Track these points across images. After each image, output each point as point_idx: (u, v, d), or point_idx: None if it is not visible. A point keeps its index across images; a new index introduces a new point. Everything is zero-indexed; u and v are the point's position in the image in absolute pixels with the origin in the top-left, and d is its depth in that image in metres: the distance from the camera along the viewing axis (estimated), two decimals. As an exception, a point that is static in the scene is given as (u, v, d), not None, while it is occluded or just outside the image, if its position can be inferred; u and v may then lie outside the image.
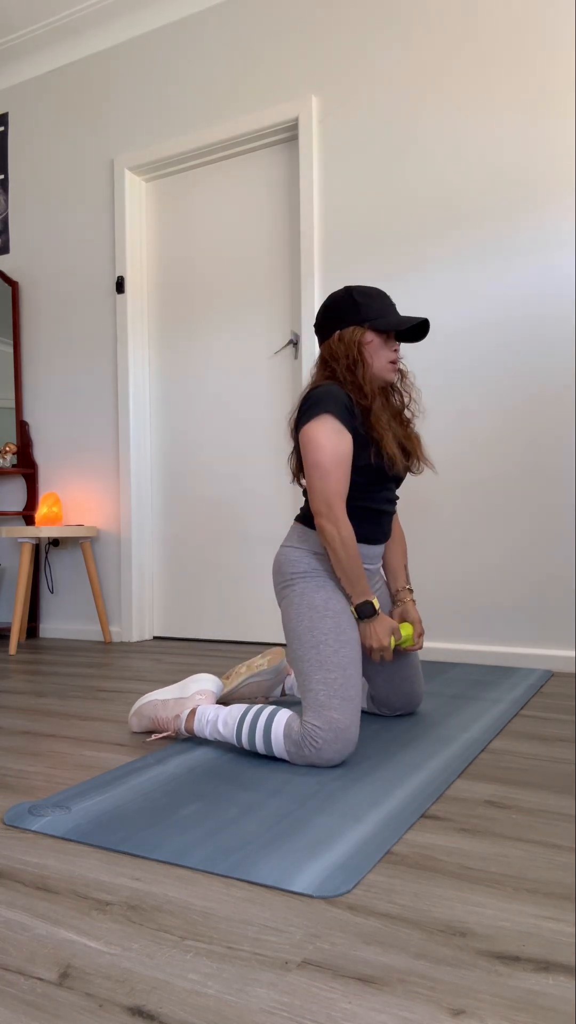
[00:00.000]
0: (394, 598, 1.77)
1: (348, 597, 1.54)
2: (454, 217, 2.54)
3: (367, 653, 1.59)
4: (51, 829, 1.13)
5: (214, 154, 3.07)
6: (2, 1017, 0.70)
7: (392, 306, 1.63)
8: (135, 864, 1.02)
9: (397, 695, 1.74)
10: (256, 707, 1.48)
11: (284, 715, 1.44)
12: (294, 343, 2.94)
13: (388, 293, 2.64)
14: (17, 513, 3.40)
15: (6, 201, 3.58)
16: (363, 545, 1.63)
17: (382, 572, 1.78)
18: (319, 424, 1.52)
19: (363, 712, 1.83)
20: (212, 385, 3.15)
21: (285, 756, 1.42)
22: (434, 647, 2.55)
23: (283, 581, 1.60)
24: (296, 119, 2.83)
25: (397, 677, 1.73)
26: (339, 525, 1.49)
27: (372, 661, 1.73)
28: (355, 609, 1.52)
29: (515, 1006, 0.70)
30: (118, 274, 3.22)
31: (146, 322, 3.31)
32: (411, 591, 1.77)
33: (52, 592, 3.45)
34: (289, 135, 2.92)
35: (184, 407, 3.22)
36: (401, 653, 1.72)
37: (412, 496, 2.61)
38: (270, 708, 1.47)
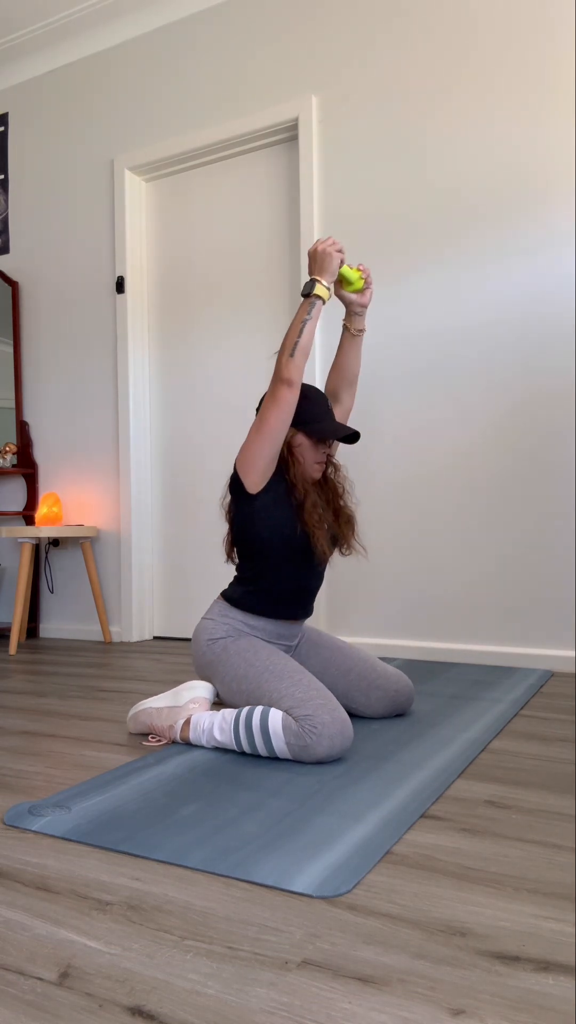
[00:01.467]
0: (346, 327, 1.82)
1: (308, 316, 1.57)
2: (454, 217, 2.54)
3: (340, 294, 1.74)
4: (51, 829, 1.13)
5: (214, 154, 3.07)
6: (2, 1017, 0.70)
7: (329, 412, 1.69)
8: (135, 864, 1.02)
9: (374, 702, 1.74)
10: (247, 709, 1.49)
11: (277, 712, 1.44)
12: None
13: (383, 293, 2.64)
14: (17, 513, 3.40)
15: (6, 201, 3.58)
16: (283, 622, 1.70)
17: (303, 631, 1.83)
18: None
19: (361, 714, 1.83)
20: (212, 385, 3.15)
21: (287, 752, 1.42)
22: (434, 647, 2.55)
23: (201, 649, 1.66)
24: (296, 119, 2.83)
25: (358, 690, 1.73)
26: (279, 365, 1.55)
27: (326, 676, 1.74)
28: (308, 296, 1.59)
29: (515, 1006, 0.70)
30: (118, 274, 3.22)
31: (146, 322, 3.31)
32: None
33: (52, 592, 3.45)
34: (289, 135, 2.92)
35: (184, 407, 3.22)
36: (361, 299, 1.77)
37: (412, 496, 2.61)
38: (261, 708, 1.47)
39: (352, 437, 1.64)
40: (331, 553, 1.68)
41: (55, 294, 3.43)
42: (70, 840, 1.10)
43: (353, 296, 1.77)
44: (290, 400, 1.56)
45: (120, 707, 1.97)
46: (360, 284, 1.74)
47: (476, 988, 0.72)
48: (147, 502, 3.29)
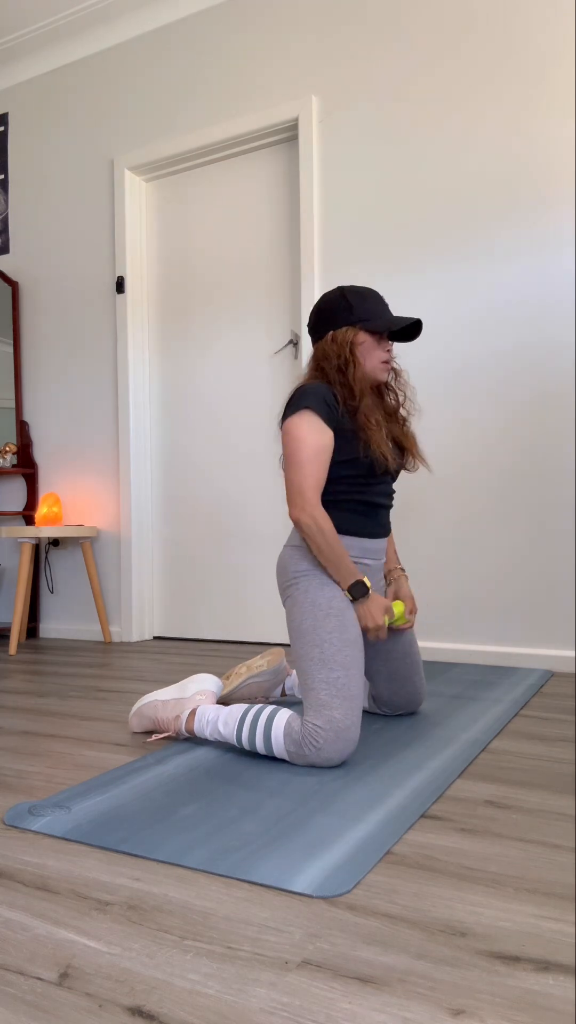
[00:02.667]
0: (387, 578, 1.78)
1: (338, 583, 1.54)
2: (454, 216, 2.54)
3: (363, 634, 1.60)
4: (51, 829, 1.13)
5: (214, 154, 3.07)
6: (2, 1017, 0.70)
7: (385, 306, 1.64)
8: (135, 864, 1.02)
9: (400, 695, 1.75)
10: (256, 707, 1.48)
11: (284, 715, 1.44)
12: (294, 343, 2.94)
13: (383, 293, 2.64)
14: (17, 513, 3.40)
15: (6, 201, 3.58)
16: (364, 539, 1.64)
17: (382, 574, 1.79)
18: (299, 419, 1.54)
19: (364, 712, 1.83)
20: (212, 385, 3.15)
21: (285, 756, 1.42)
22: (434, 647, 2.55)
23: (287, 580, 1.60)
24: (296, 119, 2.83)
25: (399, 676, 1.73)
26: (314, 513, 1.51)
27: (373, 659, 1.73)
28: (348, 591, 1.53)
29: (515, 1006, 0.70)
30: (118, 274, 3.22)
31: (146, 322, 3.31)
32: (403, 570, 1.80)
33: (52, 592, 3.45)
34: (289, 135, 2.92)
35: (184, 407, 3.22)
36: (396, 634, 1.73)
37: (412, 496, 2.61)
38: (270, 708, 1.47)
39: (415, 330, 1.61)
40: (397, 464, 1.64)
41: (55, 294, 3.43)
42: (70, 840, 1.10)
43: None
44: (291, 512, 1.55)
45: (120, 707, 1.97)
46: (403, 620, 1.68)
47: (476, 988, 0.72)
48: (147, 502, 3.29)
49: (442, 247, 2.56)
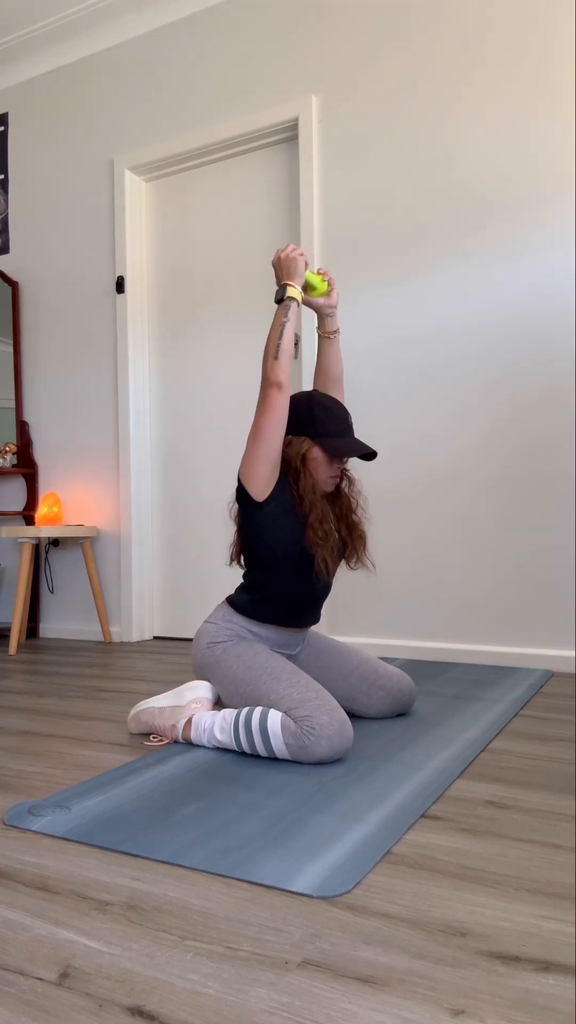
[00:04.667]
0: (320, 332, 1.85)
1: (285, 319, 1.61)
2: (454, 216, 2.54)
3: (308, 300, 1.77)
4: (51, 829, 1.13)
5: (214, 154, 3.07)
6: (2, 1017, 0.70)
7: (348, 428, 1.68)
8: (135, 864, 1.02)
9: (376, 701, 1.74)
10: (246, 710, 1.49)
11: (276, 713, 1.44)
12: (295, 344, 2.94)
13: (384, 293, 2.64)
14: (17, 513, 3.40)
15: (6, 201, 3.58)
16: (287, 630, 1.69)
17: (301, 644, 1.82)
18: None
19: (363, 715, 1.83)
20: (212, 384, 3.15)
21: (285, 752, 1.42)
22: (434, 647, 2.55)
23: (201, 651, 1.66)
24: (296, 119, 2.83)
25: (363, 687, 1.73)
26: (264, 368, 1.58)
27: (328, 678, 1.74)
28: (281, 300, 1.64)
29: (515, 1006, 0.70)
30: (118, 274, 3.22)
31: (146, 322, 3.31)
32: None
33: (52, 592, 3.45)
34: (289, 135, 2.92)
35: (184, 407, 3.22)
36: (326, 309, 1.80)
37: (413, 496, 2.61)
38: (260, 708, 1.47)
39: (369, 456, 1.63)
40: (335, 568, 1.67)
41: (55, 294, 3.43)
42: (70, 840, 1.10)
43: (320, 300, 1.79)
44: (281, 402, 1.55)
45: (120, 707, 1.97)
46: (324, 287, 1.77)
47: (476, 988, 0.72)
48: (147, 502, 3.29)
49: (442, 246, 2.56)
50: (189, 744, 1.58)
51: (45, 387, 3.46)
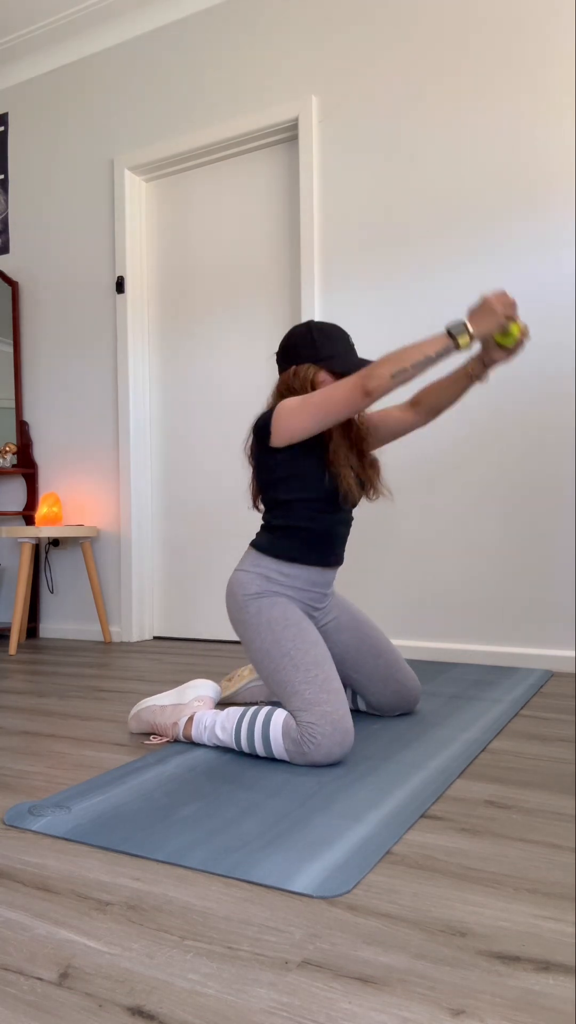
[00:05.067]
0: (468, 369, 1.68)
1: (435, 354, 1.44)
2: (454, 217, 2.54)
3: (486, 340, 1.55)
4: (51, 829, 1.13)
5: (214, 154, 3.07)
6: (2, 1017, 0.70)
7: (351, 347, 1.66)
8: (135, 864, 1.02)
9: (387, 695, 1.74)
10: (252, 709, 1.49)
11: (281, 715, 1.44)
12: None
13: (384, 292, 2.64)
14: (17, 513, 3.40)
15: (6, 201, 3.58)
16: (314, 568, 1.64)
17: (336, 593, 1.79)
18: (286, 401, 1.56)
19: (363, 712, 1.83)
20: (212, 384, 3.15)
21: (285, 756, 1.42)
22: (434, 647, 2.55)
23: (236, 605, 1.62)
24: (296, 119, 2.83)
25: (379, 677, 1.73)
26: (373, 373, 1.43)
27: (348, 668, 1.73)
28: (449, 336, 1.44)
29: (515, 1006, 0.70)
30: (118, 274, 3.22)
31: (146, 322, 3.31)
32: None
33: (52, 592, 3.45)
34: (289, 135, 2.92)
35: (184, 407, 3.22)
36: (513, 351, 1.59)
37: (412, 496, 2.61)
38: (266, 709, 1.47)
39: None
40: (360, 495, 1.65)
41: (55, 294, 3.43)
42: (70, 840, 1.10)
43: (498, 351, 1.60)
44: (359, 407, 1.47)
45: (120, 707, 1.97)
46: (511, 342, 1.54)
47: (476, 988, 0.72)
48: (147, 502, 3.29)
49: (442, 247, 2.56)
50: (190, 742, 1.58)
51: (45, 387, 3.46)
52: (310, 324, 1.65)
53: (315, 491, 1.59)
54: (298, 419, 1.52)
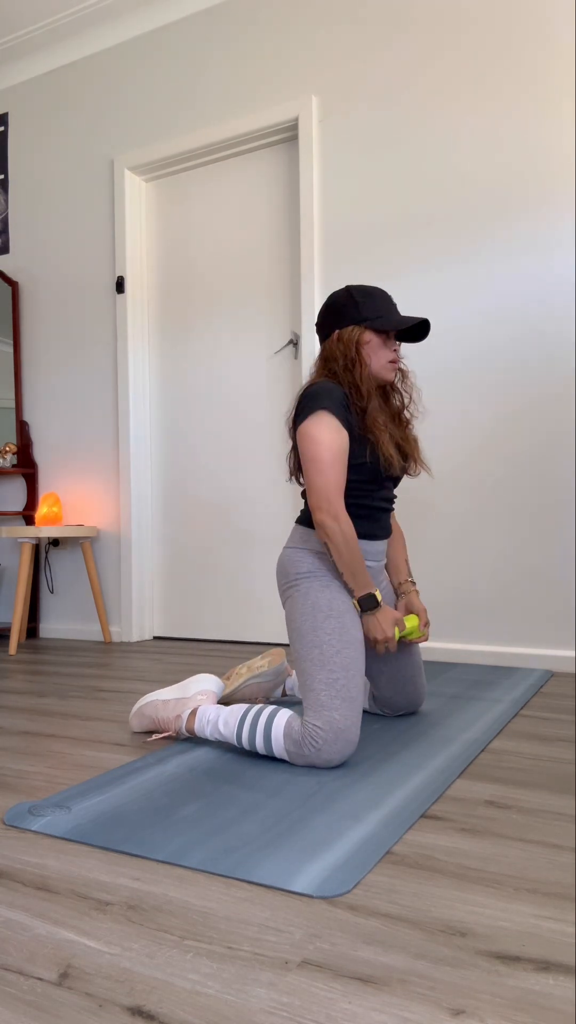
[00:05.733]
0: (397, 591, 1.78)
1: (350, 591, 1.54)
2: (454, 216, 2.54)
3: (371, 645, 1.59)
4: (51, 829, 1.13)
5: (214, 154, 3.07)
6: (2, 1017, 0.70)
7: (393, 306, 1.63)
8: (135, 864, 1.02)
9: (400, 695, 1.74)
10: (257, 707, 1.48)
11: (284, 715, 1.44)
12: (294, 343, 2.94)
13: (389, 293, 2.64)
14: (17, 513, 3.40)
15: (6, 201, 3.58)
16: (364, 541, 1.63)
17: (385, 571, 1.78)
18: (316, 420, 1.52)
19: (364, 712, 1.83)
20: (212, 385, 3.15)
21: (285, 756, 1.42)
22: (434, 647, 2.55)
23: (287, 582, 1.60)
24: (296, 119, 2.83)
25: (400, 677, 1.73)
26: (338, 519, 1.49)
27: (376, 660, 1.73)
28: (357, 602, 1.53)
29: (515, 1006, 0.70)
30: (118, 274, 3.22)
31: (146, 322, 3.31)
32: (413, 584, 1.79)
33: (52, 592, 3.45)
34: (289, 135, 2.92)
35: (184, 407, 3.22)
36: (407, 644, 1.72)
37: (412, 496, 2.61)
38: (270, 708, 1.47)
39: (422, 329, 1.60)
40: (401, 466, 1.63)
41: (55, 294, 3.43)
42: (70, 840, 1.10)
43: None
44: (326, 523, 1.51)
45: (120, 707, 1.97)
46: (417, 635, 1.67)
47: (476, 988, 0.72)
48: (147, 502, 3.29)
49: (442, 246, 2.56)
50: (192, 736, 1.58)
51: (45, 387, 3.46)
52: (349, 287, 1.62)
53: (358, 464, 1.57)
54: (305, 455, 1.53)
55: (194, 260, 3.19)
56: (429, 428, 2.58)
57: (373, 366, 1.60)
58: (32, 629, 3.45)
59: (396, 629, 1.58)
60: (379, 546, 1.67)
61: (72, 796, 1.28)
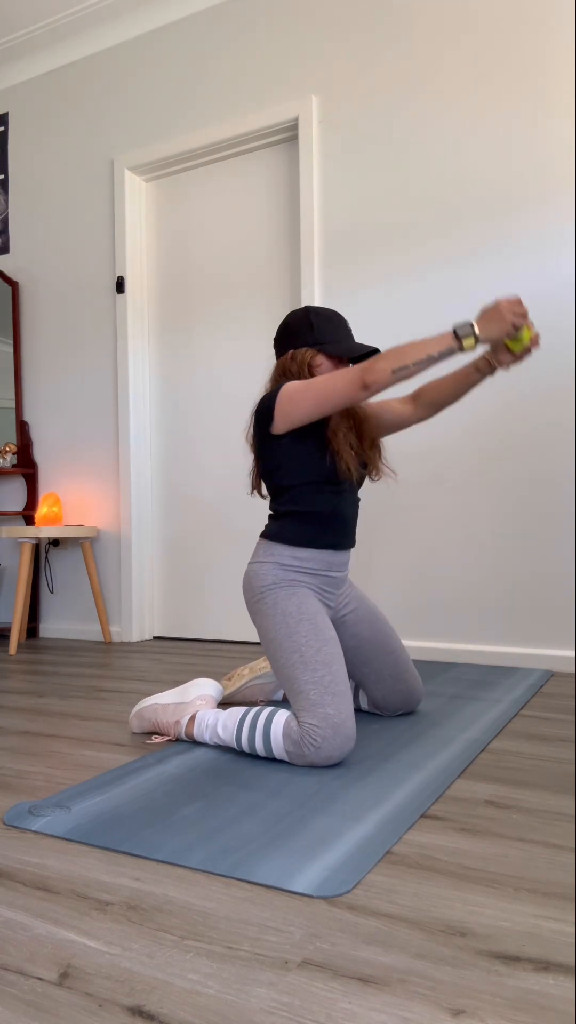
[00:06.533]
0: (476, 366, 1.67)
1: (440, 354, 1.43)
2: (454, 216, 2.54)
3: (499, 343, 1.54)
4: (51, 829, 1.13)
5: (214, 154, 3.07)
6: (2, 1017, 0.70)
7: (348, 332, 1.67)
8: (135, 864, 1.02)
9: (393, 694, 1.74)
10: (254, 709, 1.49)
11: (283, 716, 1.44)
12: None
13: (383, 292, 2.64)
14: (17, 513, 3.40)
15: (6, 201, 3.58)
16: (327, 551, 1.63)
17: (353, 584, 1.79)
18: (286, 385, 1.56)
19: (363, 712, 1.83)
20: (212, 384, 3.15)
21: (285, 757, 1.42)
22: (434, 647, 2.55)
23: (253, 596, 1.61)
24: (296, 119, 2.83)
25: (388, 676, 1.72)
26: (374, 367, 1.43)
27: (359, 664, 1.73)
28: (455, 337, 1.43)
29: (515, 1006, 0.70)
30: (118, 274, 3.22)
31: (146, 322, 3.31)
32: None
33: (52, 592, 3.45)
34: (289, 135, 2.92)
35: (184, 407, 3.22)
36: (520, 357, 1.58)
37: (412, 496, 2.61)
38: (268, 709, 1.47)
39: (372, 355, 1.61)
40: (361, 474, 1.65)
41: (55, 294, 3.43)
42: (70, 840, 1.10)
43: (505, 354, 1.59)
44: (357, 399, 1.48)
45: (120, 707, 1.97)
46: (519, 348, 1.54)
47: (476, 988, 0.72)
48: (147, 502, 3.29)
49: (442, 247, 2.56)
50: (191, 741, 1.58)
51: (45, 387, 3.46)
52: (308, 308, 1.66)
53: (317, 473, 1.58)
54: (300, 404, 1.52)
55: (194, 260, 3.19)
56: (429, 428, 2.58)
57: None
58: (32, 629, 3.45)
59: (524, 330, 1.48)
60: (343, 556, 1.67)
61: (72, 796, 1.28)
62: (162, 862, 1.02)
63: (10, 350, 3.51)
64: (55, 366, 3.43)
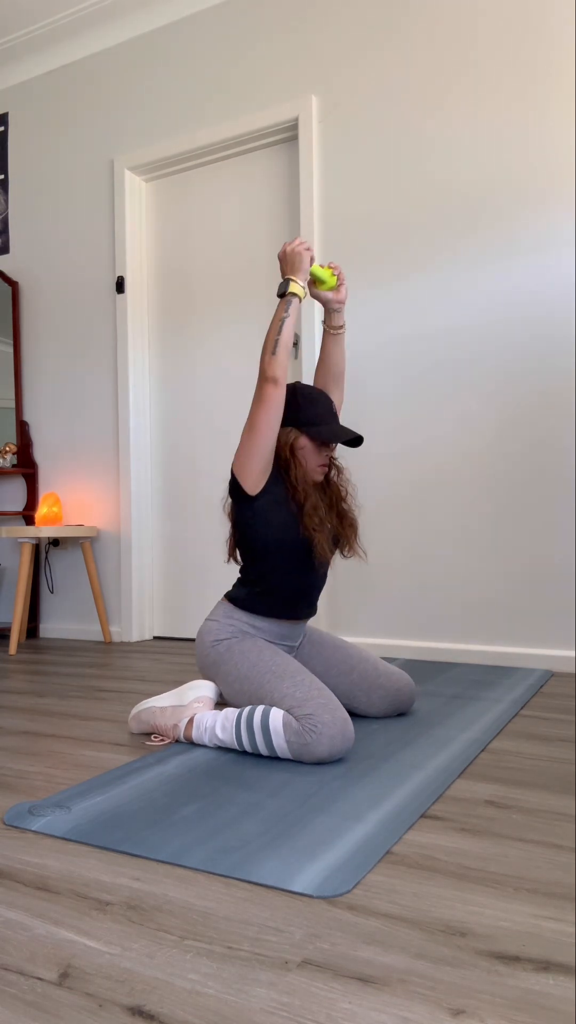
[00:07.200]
0: (325, 325, 1.84)
1: (284, 315, 1.59)
2: (454, 217, 2.54)
3: (312, 289, 1.76)
4: (51, 829, 1.13)
5: (214, 154, 3.07)
6: (2, 1017, 0.70)
7: (333, 415, 1.70)
8: (135, 864, 1.02)
9: (375, 701, 1.74)
10: (249, 708, 1.49)
11: (279, 711, 1.45)
12: (294, 343, 2.94)
13: (383, 293, 2.64)
14: (17, 513, 3.40)
15: (6, 201, 3.58)
16: (287, 623, 1.69)
17: (305, 631, 1.84)
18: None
19: (362, 714, 1.83)
20: (212, 384, 3.15)
21: (287, 751, 1.42)
22: (434, 647, 2.55)
23: (205, 650, 1.67)
24: (296, 119, 2.83)
25: (363, 685, 1.73)
26: (262, 364, 1.57)
27: (328, 677, 1.75)
28: (283, 295, 1.61)
29: (515, 1006, 0.70)
30: (118, 274, 3.22)
31: (146, 322, 3.31)
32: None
33: (52, 592, 3.45)
34: (289, 135, 2.92)
35: (184, 407, 3.22)
36: (337, 295, 1.79)
37: (412, 496, 2.61)
38: (262, 707, 1.47)
39: (355, 441, 1.64)
40: (332, 555, 1.69)
41: (55, 294, 3.43)
42: (70, 840, 1.10)
43: (329, 294, 1.78)
44: (276, 398, 1.56)
45: (120, 707, 1.97)
46: (333, 281, 1.76)
47: (476, 988, 0.72)
48: (147, 502, 3.29)
49: (442, 247, 2.56)
50: (190, 744, 1.58)
51: (45, 387, 3.46)
52: (295, 388, 1.69)
53: (290, 544, 1.62)
54: (246, 451, 1.58)
55: (194, 260, 3.19)
56: (429, 428, 2.58)
57: (307, 467, 1.67)
58: (32, 629, 3.45)
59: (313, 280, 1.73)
60: (299, 628, 1.74)
61: (72, 796, 1.28)
62: (162, 862, 1.02)
63: (10, 350, 3.51)
64: (55, 366, 3.43)
